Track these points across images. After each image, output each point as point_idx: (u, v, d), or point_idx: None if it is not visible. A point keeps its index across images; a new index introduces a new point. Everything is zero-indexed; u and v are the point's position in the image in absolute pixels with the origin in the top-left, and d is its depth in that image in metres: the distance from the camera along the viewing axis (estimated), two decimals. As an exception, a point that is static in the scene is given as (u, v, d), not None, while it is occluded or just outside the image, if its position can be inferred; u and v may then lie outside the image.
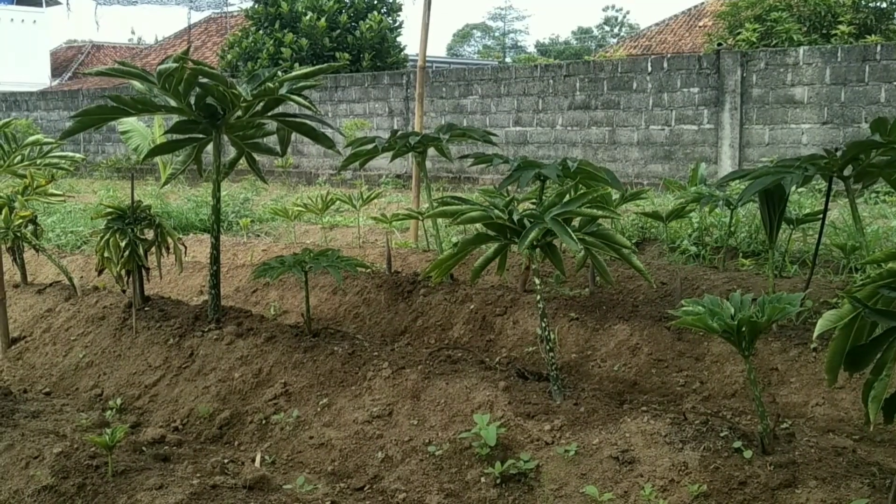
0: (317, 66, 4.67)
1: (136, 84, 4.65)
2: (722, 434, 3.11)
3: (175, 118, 4.78)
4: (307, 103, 4.45)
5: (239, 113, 4.69)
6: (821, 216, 4.55)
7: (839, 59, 11.69)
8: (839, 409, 3.78)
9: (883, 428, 3.56)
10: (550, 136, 14.71)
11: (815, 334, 2.66)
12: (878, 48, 11.61)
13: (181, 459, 3.37)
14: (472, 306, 5.30)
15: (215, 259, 4.71)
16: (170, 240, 4.98)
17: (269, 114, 4.83)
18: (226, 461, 3.43)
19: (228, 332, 4.49)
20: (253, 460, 3.64)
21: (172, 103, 4.56)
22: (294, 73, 4.60)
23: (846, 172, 3.97)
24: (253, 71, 4.81)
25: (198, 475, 3.11)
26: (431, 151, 6.32)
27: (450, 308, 5.38)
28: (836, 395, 3.82)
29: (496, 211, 3.73)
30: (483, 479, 3.31)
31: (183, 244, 5.13)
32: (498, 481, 3.27)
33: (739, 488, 2.90)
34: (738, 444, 3.04)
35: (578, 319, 4.92)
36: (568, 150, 14.37)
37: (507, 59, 54.83)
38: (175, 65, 4.21)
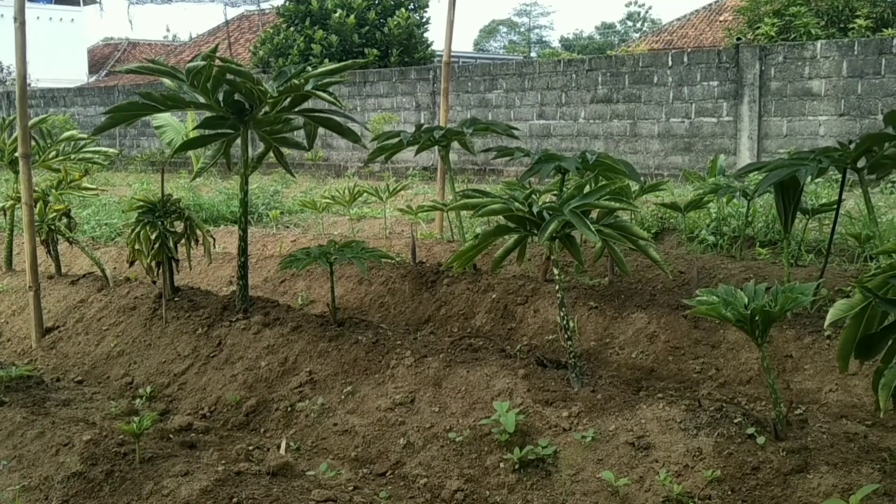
0: (342, 63, 4.67)
1: (167, 81, 4.68)
2: (736, 420, 3.08)
3: (206, 114, 4.81)
4: (332, 99, 4.46)
5: (266, 109, 4.71)
6: (835, 207, 4.48)
7: (856, 53, 11.49)
8: (852, 395, 3.72)
9: (895, 414, 3.51)
10: (573, 129, 14.61)
11: (827, 323, 2.62)
12: (895, 41, 11.40)
13: (207, 446, 3.40)
14: (494, 296, 5.28)
15: (243, 250, 4.73)
16: (199, 232, 5.02)
17: (296, 109, 4.84)
18: (251, 448, 3.45)
19: (256, 322, 4.52)
20: (278, 447, 3.66)
21: (201, 100, 4.58)
22: (320, 70, 4.60)
23: (860, 164, 3.90)
24: (283, 67, 4.81)
25: (223, 462, 3.13)
26: (456, 144, 6.31)
27: (472, 297, 5.38)
28: (849, 382, 3.77)
29: (516, 203, 3.71)
30: (502, 465, 3.31)
31: (212, 236, 5.16)
32: (516, 467, 3.27)
33: (752, 474, 2.87)
34: (751, 430, 3.01)
35: (597, 308, 4.89)
36: (590, 142, 14.28)
37: (532, 55, 54.52)
38: (203, 62, 4.23)
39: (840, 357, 2.62)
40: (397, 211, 8.11)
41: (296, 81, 4.37)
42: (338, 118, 4.83)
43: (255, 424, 4.00)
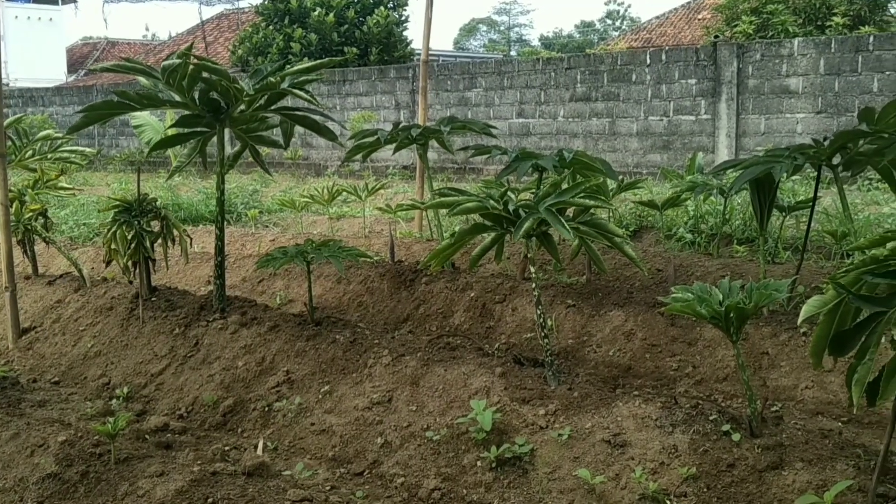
0: (318, 61, 4.64)
1: (142, 80, 4.63)
2: (711, 417, 3.09)
3: (183, 113, 4.76)
4: (308, 97, 4.43)
5: (242, 107, 4.67)
6: (811, 204, 4.50)
7: (833, 50, 11.58)
8: (828, 391, 3.74)
9: (871, 410, 3.53)
10: (552, 128, 14.63)
11: (801, 319, 2.63)
12: (871, 39, 11.50)
13: (183, 447, 3.36)
14: (472, 294, 5.27)
15: (220, 250, 4.69)
16: (175, 231, 4.97)
17: (273, 107, 4.80)
18: (227, 448, 3.42)
19: (233, 322, 4.48)
20: (255, 447, 3.63)
21: (177, 98, 4.54)
22: (296, 68, 4.57)
23: (835, 161, 3.92)
24: (259, 65, 4.79)
25: (198, 462, 3.10)
26: (436, 143, 6.29)
27: (451, 296, 5.36)
28: (824, 379, 3.79)
29: (492, 202, 3.70)
30: (479, 464, 3.30)
31: (188, 235, 5.12)
32: (493, 465, 3.26)
33: (728, 470, 2.87)
34: (727, 427, 3.01)
35: (575, 306, 4.89)
36: (569, 140, 14.30)
37: (513, 53, 54.58)
38: (178, 61, 4.18)
39: (814, 353, 2.62)
40: (377, 210, 8.08)
41: (272, 79, 4.34)
42: (315, 116, 4.80)
43: (233, 425, 3.96)
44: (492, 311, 5.13)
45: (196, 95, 4.52)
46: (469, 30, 72.26)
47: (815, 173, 4.29)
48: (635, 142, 13.53)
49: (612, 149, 13.73)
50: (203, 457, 3.22)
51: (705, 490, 2.85)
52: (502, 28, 71.87)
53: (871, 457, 2.77)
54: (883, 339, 2.43)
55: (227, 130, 4.78)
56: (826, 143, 3.85)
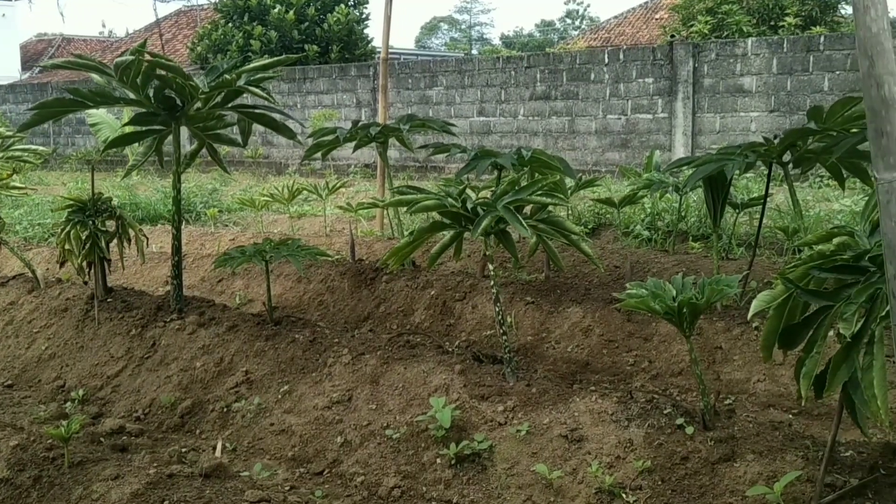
0: (275, 59, 4.59)
1: (95, 76, 4.55)
2: (666, 411, 3.13)
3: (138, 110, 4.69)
4: (265, 94, 4.39)
5: (199, 105, 4.61)
6: (759, 201, 4.58)
7: (785, 50, 11.79)
8: (779, 384, 3.81)
9: (820, 402, 3.60)
10: (513, 126, 14.68)
11: (751, 314, 2.67)
12: (822, 39, 11.73)
13: (139, 449, 3.31)
14: (432, 292, 5.27)
15: (177, 249, 4.63)
16: (131, 231, 4.90)
17: (230, 105, 4.75)
18: (184, 450, 3.38)
19: (191, 322, 4.43)
20: (214, 448, 3.59)
21: (131, 95, 4.47)
22: (252, 65, 4.52)
23: (785, 159, 3.99)
24: (215, 63, 4.74)
25: (155, 465, 3.06)
26: (397, 142, 6.26)
27: (411, 294, 5.36)
28: (776, 372, 3.86)
29: (450, 200, 3.70)
30: (439, 461, 3.30)
31: (144, 235, 5.04)
32: (453, 462, 3.26)
33: (681, 463, 2.91)
34: (680, 420, 3.05)
35: (534, 303, 4.92)
36: (530, 139, 14.37)
37: (474, 52, 54.67)
38: (132, 57, 4.12)
39: (764, 347, 2.67)
40: (338, 209, 8.04)
41: (228, 77, 4.29)
42: (273, 114, 4.76)
43: (191, 426, 3.92)
44: (452, 308, 5.14)
45: (151, 93, 4.45)
46: (430, 28, 72.24)
47: (768, 171, 4.36)
48: (594, 140, 13.64)
49: (571, 147, 13.83)
50: (160, 459, 3.18)
51: (660, 483, 2.89)
52: (463, 27, 71.97)
53: (819, 447, 2.82)
54: (831, 333, 2.48)
55: (184, 129, 4.73)
56: (776, 141, 3.92)
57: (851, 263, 2.41)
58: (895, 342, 2.17)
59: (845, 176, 4.14)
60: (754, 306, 2.61)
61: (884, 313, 2.26)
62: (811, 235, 2.64)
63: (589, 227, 7.56)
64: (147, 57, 4.19)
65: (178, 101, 4.50)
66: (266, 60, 4.53)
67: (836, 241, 2.50)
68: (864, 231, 2.50)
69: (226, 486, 2.92)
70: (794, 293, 2.53)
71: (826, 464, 2.59)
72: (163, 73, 4.30)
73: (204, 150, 5.03)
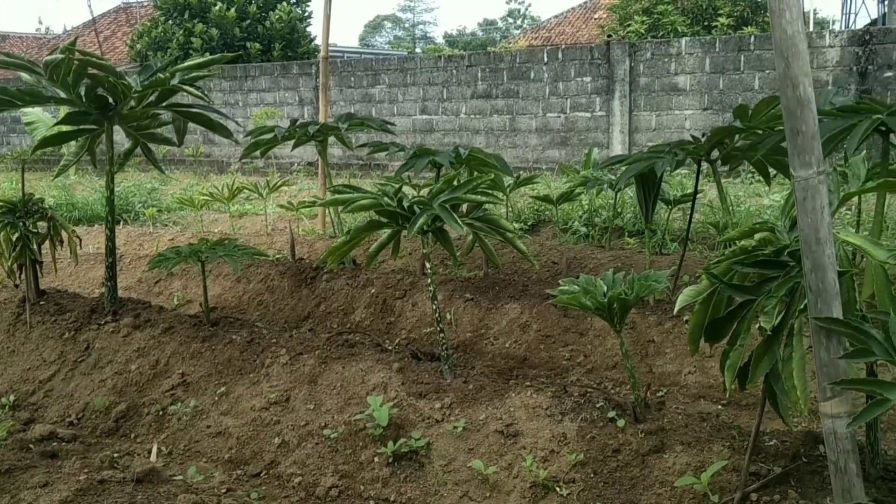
0: (210, 57, 4.51)
1: (24, 75, 4.41)
2: (598, 405, 3.16)
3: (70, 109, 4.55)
4: (199, 93, 4.30)
5: (132, 104, 4.51)
6: (692, 197, 4.66)
7: (717, 50, 12.03)
8: (709, 376, 3.88)
9: (748, 392, 3.67)
10: (455, 124, 14.69)
11: (677, 309, 2.71)
12: (753, 39, 11.99)
13: (70, 455, 3.22)
14: (373, 290, 5.24)
15: (111, 251, 4.52)
16: (64, 232, 4.76)
17: (164, 104, 4.65)
18: (116, 455, 3.29)
19: (125, 325, 4.32)
20: (149, 452, 3.51)
21: (62, 94, 4.34)
22: (186, 64, 4.43)
23: (713, 156, 4.07)
24: (148, 62, 4.62)
25: (86, 471, 2.97)
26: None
27: (352, 293, 5.32)
28: (706, 364, 3.93)
29: (386, 199, 3.67)
30: (376, 459, 3.28)
31: (77, 236, 4.90)
32: (390, 460, 3.24)
33: (613, 455, 2.94)
34: (612, 413, 3.08)
35: (474, 300, 4.92)
36: (472, 137, 14.39)
37: (418, 50, 54.57)
38: (61, 56, 4.00)
39: (691, 341, 2.71)
40: (279, 207, 7.94)
41: (161, 75, 4.20)
42: (208, 113, 4.67)
43: (126, 430, 3.82)
44: (392, 306, 5.12)
45: (82, 91, 4.33)
46: (374, 26, 71.90)
47: (704, 168, 4.43)
48: (535, 138, 13.73)
49: (512, 145, 13.89)
50: (91, 465, 3.09)
51: (592, 475, 2.91)
52: (407, 25, 71.80)
53: (745, 437, 2.88)
54: (756, 326, 2.53)
55: (118, 128, 4.61)
56: (704, 139, 3.99)
57: (772, 258, 2.46)
58: (812, 335, 2.22)
59: (772, 174, 4.24)
60: (680, 301, 2.65)
61: (802, 306, 2.31)
62: (735, 231, 2.69)
63: (529, 223, 7.61)
64: (77, 55, 4.07)
65: (111, 100, 4.39)
66: (201, 59, 4.44)
67: (757, 236, 2.55)
68: (785, 227, 2.55)
69: (158, 490, 2.85)
70: (718, 288, 2.57)
71: (751, 453, 2.65)
72: (95, 71, 4.19)
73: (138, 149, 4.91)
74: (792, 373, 2.36)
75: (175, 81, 4.27)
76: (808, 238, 2.15)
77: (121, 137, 5.29)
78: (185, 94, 4.50)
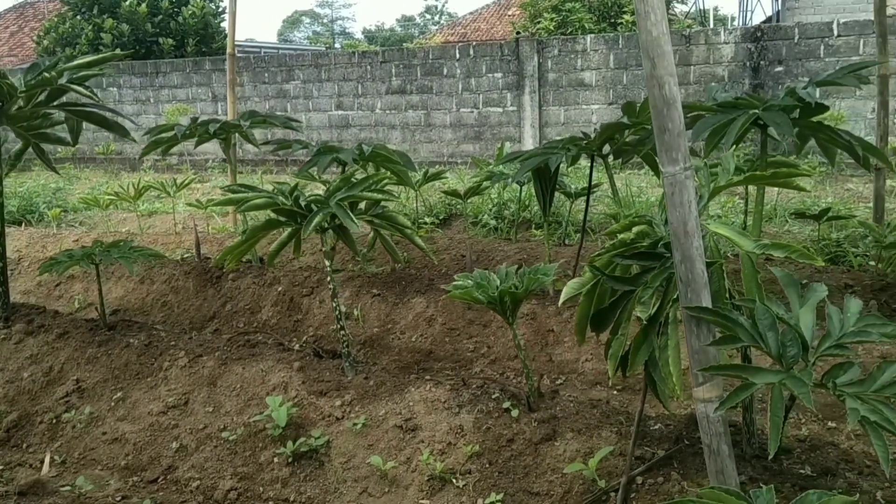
0: (100, 55, 4.34)
1: None
2: (494, 396, 3.17)
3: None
4: (87, 92, 4.13)
5: (21, 103, 4.30)
6: (594, 189, 4.72)
7: (621, 46, 12.27)
8: (605, 363, 3.94)
9: (640, 377, 3.75)
10: (371, 120, 14.60)
11: (561, 301, 2.74)
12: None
13: (-52, 470, 3.06)
14: (280, 288, 5.15)
15: (1, 255, 4.30)
16: (-50, 238, 4.50)
17: (55, 103, 4.45)
18: (2, 468, 3.14)
19: (17, 331, 4.13)
20: (41, 462, 3.36)
21: (-58, 95, 4.11)
22: (76, 62, 4.26)
23: (605, 151, 4.13)
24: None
25: (-37, 485, 2.83)
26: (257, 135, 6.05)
27: (258, 291, 5.21)
28: (601, 351, 3.99)
29: (281, 198, 3.60)
30: (276, 460, 3.22)
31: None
32: (290, 460, 3.19)
33: (507, 445, 2.96)
34: (507, 404, 3.10)
35: (380, 295, 4.89)
36: (388, 132, 14.33)
37: (337, 46, 54.01)
38: (-62, 55, 3.78)
39: (578, 331, 2.74)
40: (189, 206, 7.72)
41: (47, 75, 4.02)
42: (102, 112, 4.50)
43: (17, 440, 3.65)
44: (300, 304, 5.04)
45: (-36, 92, 4.11)
46: (293, 22, 70.86)
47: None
48: (449, 133, 13.76)
49: (428, 139, 13.90)
50: (-28, 479, 2.94)
51: (488, 466, 2.92)
52: (325, 20, 71.01)
53: (632, 423, 2.93)
54: (636, 315, 2.57)
55: (6, 128, 4.39)
56: (594, 135, 4.05)
57: (649, 250, 2.50)
58: (686, 324, 2.27)
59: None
60: (564, 293, 2.68)
61: (676, 296, 2.36)
62: (617, 225, 2.73)
63: (441, 217, 7.60)
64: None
65: (-4, 100, 4.18)
66: (91, 58, 4.27)
67: (635, 229, 2.59)
68: (661, 220, 2.60)
69: (43, 502, 2.73)
70: (600, 279, 2.60)
71: (635, 438, 2.70)
72: (-24, 70, 3.98)
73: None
74: (668, 360, 2.41)
75: (63, 81, 4.10)
76: (677, 231, 2.20)
77: (13, 138, 5.05)
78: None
